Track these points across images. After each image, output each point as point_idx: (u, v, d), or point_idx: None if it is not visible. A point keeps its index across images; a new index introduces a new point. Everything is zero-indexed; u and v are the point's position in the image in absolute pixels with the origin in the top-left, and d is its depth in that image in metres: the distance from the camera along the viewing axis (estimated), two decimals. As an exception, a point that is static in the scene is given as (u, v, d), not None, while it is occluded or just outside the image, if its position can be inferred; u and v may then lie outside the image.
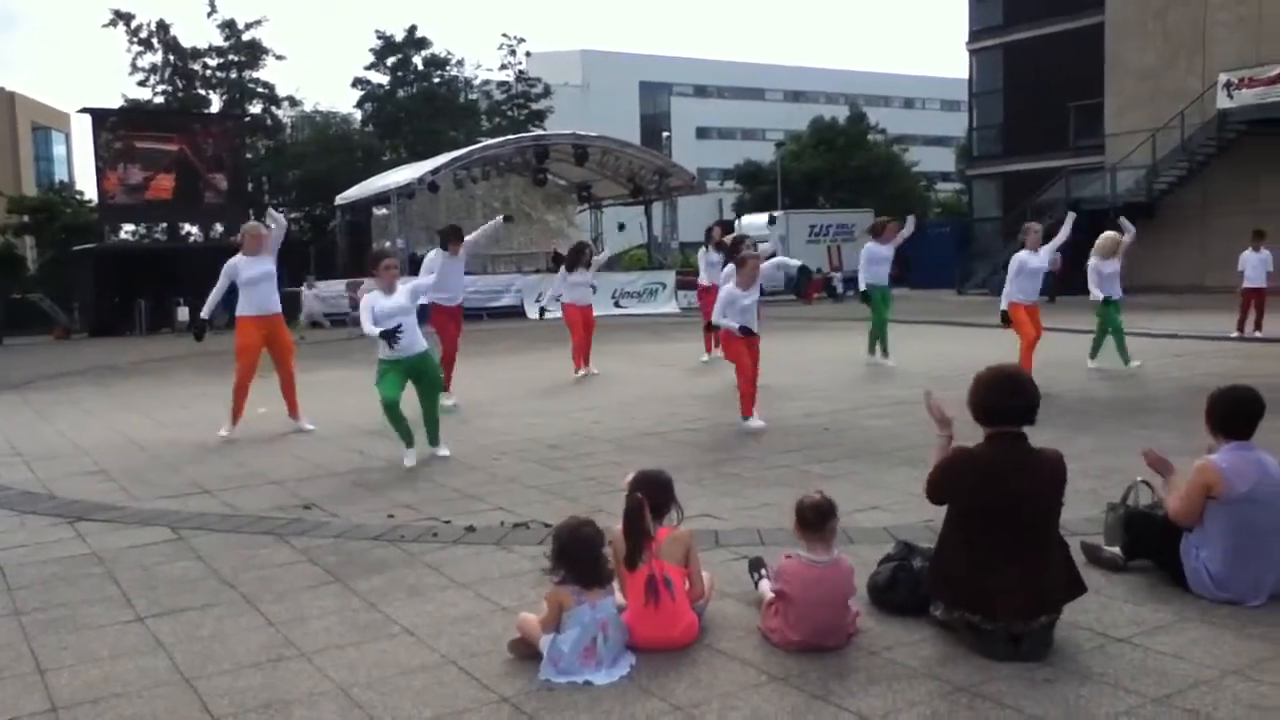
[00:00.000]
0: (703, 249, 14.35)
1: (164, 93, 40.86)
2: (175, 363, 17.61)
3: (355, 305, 25.03)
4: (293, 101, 44.59)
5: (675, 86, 73.61)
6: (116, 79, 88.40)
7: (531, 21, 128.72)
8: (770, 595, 3.99)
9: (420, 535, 5.61)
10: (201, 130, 32.33)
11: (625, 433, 8.80)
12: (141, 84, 40.76)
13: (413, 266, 15.92)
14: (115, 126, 30.44)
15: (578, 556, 3.80)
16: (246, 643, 4.12)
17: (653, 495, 4.06)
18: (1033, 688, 3.48)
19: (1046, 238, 10.98)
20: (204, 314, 9.54)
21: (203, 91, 41.78)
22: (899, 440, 7.95)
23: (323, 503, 6.55)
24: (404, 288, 7.86)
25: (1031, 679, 3.54)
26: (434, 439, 7.90)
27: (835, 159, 49.42)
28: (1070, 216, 11.57)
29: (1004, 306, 10.67)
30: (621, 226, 35.45)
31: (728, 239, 13.46)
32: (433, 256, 10.59)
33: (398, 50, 44.67)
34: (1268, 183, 25.96)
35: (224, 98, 42.05)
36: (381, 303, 7.60)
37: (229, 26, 41.16)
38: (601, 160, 30.71)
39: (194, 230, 35.97)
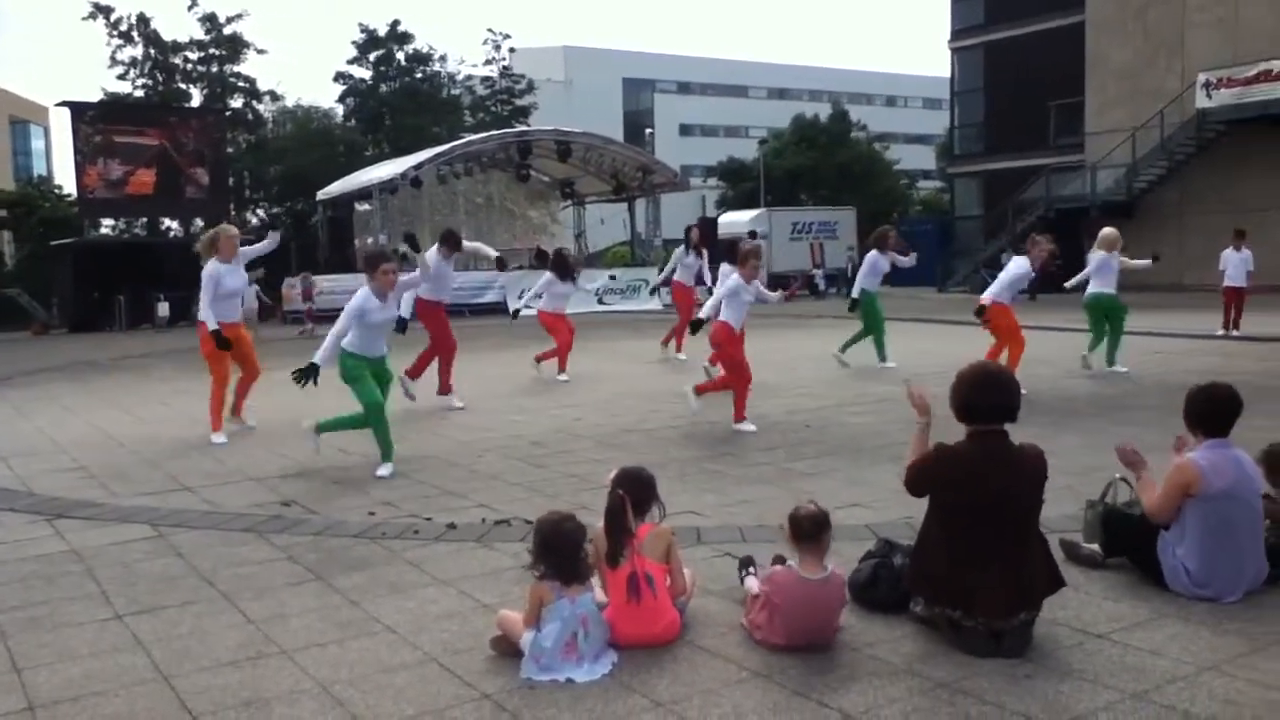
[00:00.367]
0: (679, 249, 14.54)
1: (144, 86, 40.49)
2: (155, 359, 17.52)
3: (308, 297, 24.78)
4: (274, 96, 44.29)
5: (659, 83, 73.55)
6: (96, 72, 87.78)
7: (515, 17, 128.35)
8: (756, 591, 3.98)
9: (401, 532, 5.60)
10: (182, 124, 32.09)
11: (607, 430, 8.80)
12: (121, 78, 40.42)
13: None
14: (95, 120, 30.21)
15: (559, 551, 3.80)
16: (226, 640, 4.10)
17: (635, 492, 4.07)
18: (1013, 684, 3.50)
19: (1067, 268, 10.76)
20: (212, 325, 8.72)
21: (183, 85, 41.41)
22: (881, 437, 7.98)
23: (303, 500, 6.52)
24: (397, 292, 7.55)
25: (1012, 675, 3.56)
26: (333, 428, 7.53)
27: (817, 156, 49.48)
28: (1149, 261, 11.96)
29: (986, 302, 10.36)
30: (601, 222, 35.48)
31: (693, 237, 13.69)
32: (432, 254, 10.52)
33: (381, 45, 44.44)
34: (1245, 182, 26.19)
35: (205, 92, 41.71)
36: (376, 314, 7.23)
37: (210, 20, 40.84)
38: (585, 157, 30.69)
39: (174, 225, 35.74)
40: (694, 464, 7.27)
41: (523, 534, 5.23)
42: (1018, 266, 10.45)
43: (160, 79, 40.75)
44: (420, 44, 45.20)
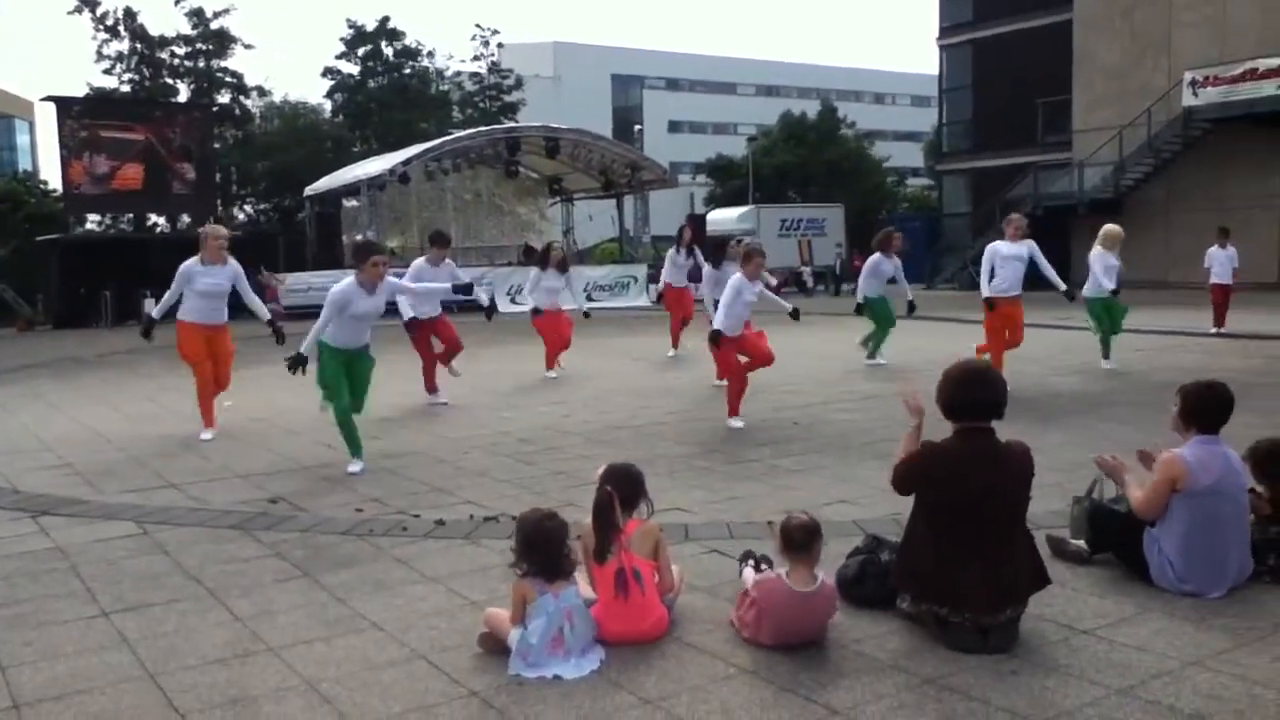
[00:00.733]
0: (672, 250, 14.27)
1: (130, 81, 40.28)
2: (141, 355, 17.40)
3: (272, 298, 24.38)
4: (262, 91, 44.16)
5: (647, 79, 73.49)
6: (82, 67, 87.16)
7: (504, 13, 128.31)
8: (750, 586, 3.97)
9: (389, 529, 5.58)
10: (168, 120, 31.89)
11: (596, 426, 8.80)
12: (107, 72, 40.20)
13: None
14: (80, 115, 30.00)
15: (541, 549, 3.79)
16: (213, 638, 4.09)
17: (622, 489, 4.07)
18: (999, 679, 3.51)
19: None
20: (155, 314, 9.08)
21: (170, 80, 41.21)
22: (868, 434, 8.00)
23: (290, 497, 6.50)
24: (385, 287, 7.34)
25: (998, 671, 3.58)
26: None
27: (806, 153, 49.55)
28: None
29: (986, 295, 10.46)
30: (590, 218, 35.45)
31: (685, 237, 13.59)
32: (418, 266, 10.38)
33: (369, 40, 44.31)
34: (1231, 180, 26.30)
35: (192, 87, 41.52)
36: (360, 303, 7.06)
37: (197, 15, 40.65)
38: (573, 153, 30.64)
39: (160, 221, 35.56)
40: (682, 461, 7.27)
41: (510, 531, 5.22)
42: (989, 250, 10.61)
43: (147, 74, 40.56)
44: (409, 40, 45.16)
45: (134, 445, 8.56)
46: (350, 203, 31.57)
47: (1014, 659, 3.68)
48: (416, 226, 30.40)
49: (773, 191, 46.83)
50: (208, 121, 34.84)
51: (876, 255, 12.52)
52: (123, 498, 6.59)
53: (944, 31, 37.34)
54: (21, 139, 52.61)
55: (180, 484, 6.98)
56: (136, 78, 40.42)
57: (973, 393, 3.92)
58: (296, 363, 7.07)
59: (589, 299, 25.97)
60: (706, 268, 11.24)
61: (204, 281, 8.61)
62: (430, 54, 46.05)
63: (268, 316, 9.04)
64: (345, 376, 7.20)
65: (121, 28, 39.87)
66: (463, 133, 33.25)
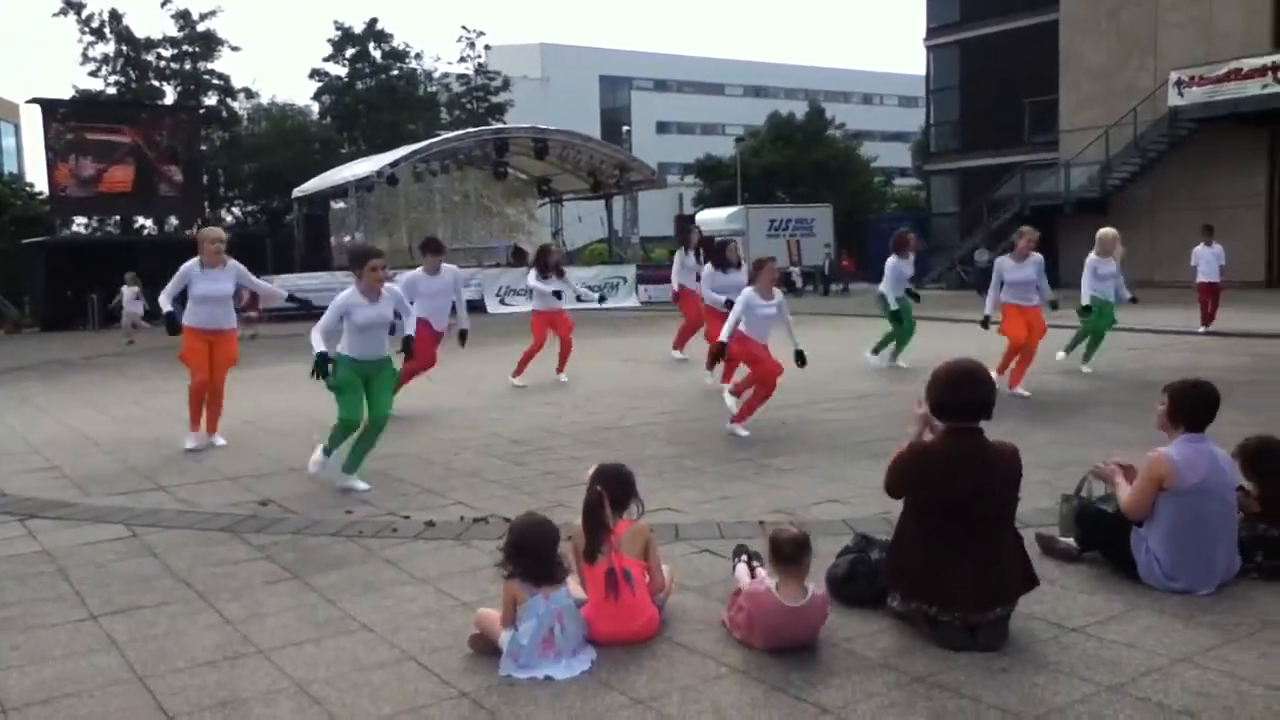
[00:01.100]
0: (680, 252, 13.78)
1: (116, 84, 40.16)
2: (129, 357, 17.34)
3: (252, 306, 24.15)
4: (249, 93, 44.11)
5: (635, 81, 73.50)
6: (68, 69, 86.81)
7: (491, 15, 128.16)
8: (740, 587, 3.97)
9: (379, 531, 5.57)
10: (155, 122, 31.80)
11: (586, 427, 8.80)
12: (93, 74, 40.09)
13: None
14: (66, 118, 29.92)
15: (531, 552, 3.79)
16: (202, 640, 4.08)
17: (613, 489, 4.06)
18: (989, 677, 3.52)
19: None
20: (166, 308, 8.38)
21: (156, 83, 41.10)
22: (858, 434, 8.01)
23: (280, 499, 6.48)
24: (389, 295, 6.88)
25: (988, 669, 3.59)
26: (356, 463, 6.75)
27: (794, 154, 49.64)
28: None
29: (988, 312, 10.21)
30: (579, 219, 35.44)
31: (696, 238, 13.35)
32: (414, 278, 9.79)
33: (356, 42, 44.29)
34: (1215, 179, 26.46)
35: (178, 89, 41.41)
36: (362, 312, 6.60)
37: (183, 17, 40.56)
38: (562, 154, 30.66)
39: (148, 224, 35.44)
40: (672, 461, 7.28)
41: (501, 532, 5.21)
42: (998, 266, 10.34)
43: (133, 76, 40.45)
44: (396, 42, 45.14)
45: (122, 448, 8.52)
46: (338, 204, 31.52)
47: (1004, 657, 3.69)
48: (405, 228, 30.36)
49: (761, 192, 46.89)
50: (195, 123, 34.75)
51: (894, 258, 12.19)
52: (111, 500, 6.56)
53: (931, 32, 37.47)
54: (7, 141, 52.31)
55: (169, 486, 6.95)
56: (123, 80, 40.31)
57: (962, 393, 3.93)
58: (317, 365, 6.50)
59: (578, 299, 25.95)
60: (706, 268, 11.17)
61: (203, 286, 8.28)
62: (418, 56, 46.12)
63: (284, 294, 8.58)
64: (363, 388, 6.71)
65: (107, 30, 39.79)
66: (451, 134, 33.23)
